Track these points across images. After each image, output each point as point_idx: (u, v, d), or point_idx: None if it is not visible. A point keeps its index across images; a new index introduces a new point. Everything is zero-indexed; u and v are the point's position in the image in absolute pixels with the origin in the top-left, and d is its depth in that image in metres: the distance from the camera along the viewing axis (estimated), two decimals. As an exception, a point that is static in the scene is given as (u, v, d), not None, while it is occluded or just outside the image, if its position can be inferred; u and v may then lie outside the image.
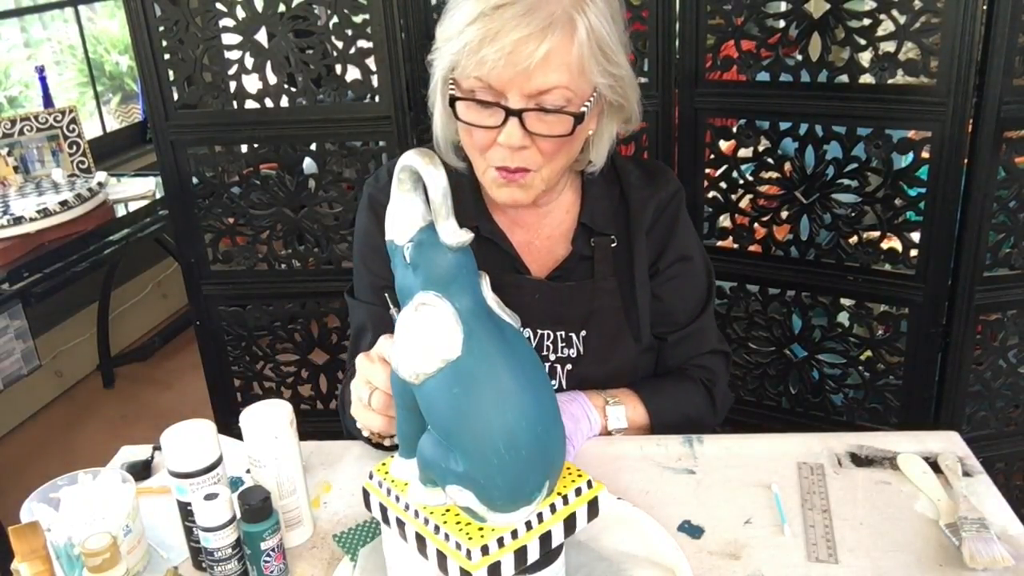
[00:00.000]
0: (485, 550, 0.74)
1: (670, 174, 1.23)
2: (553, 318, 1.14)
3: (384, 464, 0.86)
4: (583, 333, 1.15)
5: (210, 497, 0.85)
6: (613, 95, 1.04)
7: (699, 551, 0.92)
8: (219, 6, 1.66)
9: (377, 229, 1.15)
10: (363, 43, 1.67)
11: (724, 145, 1.73)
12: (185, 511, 0.91)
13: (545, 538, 0.78)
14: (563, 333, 1.15)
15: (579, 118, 0.99)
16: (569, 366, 1.15)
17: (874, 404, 1.73)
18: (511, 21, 0.94)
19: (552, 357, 1.15)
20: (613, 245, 1.16)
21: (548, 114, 0.98)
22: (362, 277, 1.19)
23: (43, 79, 2.79)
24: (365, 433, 1.05)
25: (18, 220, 2.12)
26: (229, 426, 1.21)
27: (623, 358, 1.16)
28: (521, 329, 0.80)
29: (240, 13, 1.66)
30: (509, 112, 0.98)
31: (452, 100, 1.01)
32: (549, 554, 0.79)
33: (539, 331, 1.14)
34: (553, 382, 1.14)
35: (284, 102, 1.73)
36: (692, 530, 0.95)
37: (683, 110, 1.69)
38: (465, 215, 1.06)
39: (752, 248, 1.75)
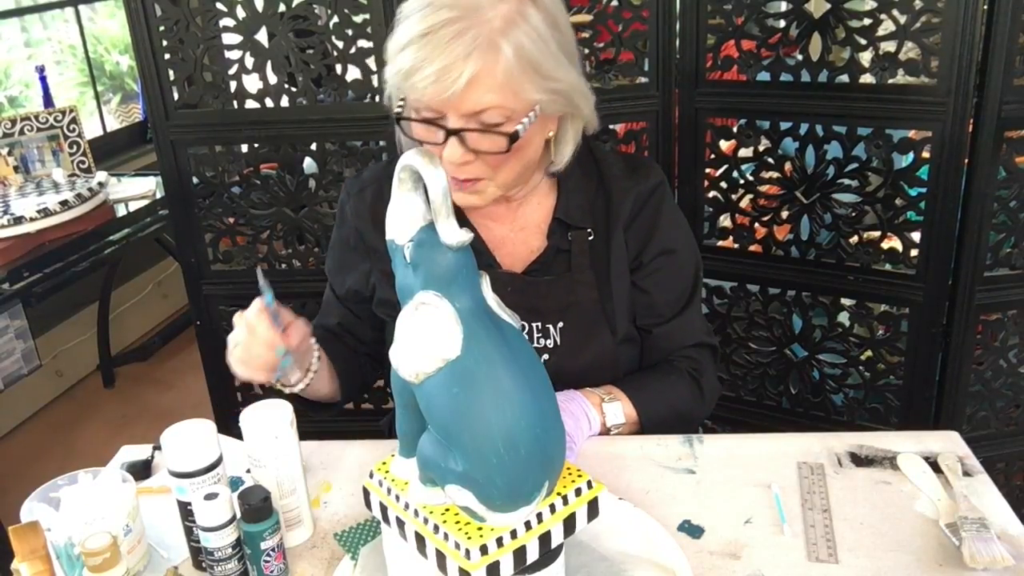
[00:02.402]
0: (484, 550, 0.74)
1: (654, 167, 1.23)
2: (528, 309, 1.14)
3: (384, 463, 0.86)
4: (560, 324, 1.15)
5: (210, 497, 0.86)
6: (557, 108, 1.05)
7: (699, 551, 0.92)
8: (219, 6, 1.66)
9: (342, 233, 1.25)
10: (363, 43, 1.67)
11: (724, 145, 1.73)
12: (185, 511, 0.91)
13: (544, 538, 0.78)
14: (539, 324, 1.15)
15: (513, 136, 1.00)
16: (545, 356, 1.16)
17: (874, 404, 1.73)
18: (436, 50, 0.96)
19: None
20: (590, 238, 1.17)
21: (485, 132, 1.00)
22: (333, 279, 1.29)
23: (43, 79, 2.79)
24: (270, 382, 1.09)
25: (18, 220, 2.12)
26: (229, 426, 1.21)
27: (599, 349, 1.17)
28: (522, 328, 0.81)
29: (240, 13, 1.66)
30: (448, 131, 1.00)
31: (398, 118, 1.04)
32: (548, 554, 0.79)
33: None
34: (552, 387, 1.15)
35: (284, 102, 1.73)
36: (692, 530, 0.96)
37: (683, 110, 1.69)
38: None
39: (752, 248, 1.75)
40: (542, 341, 1.16)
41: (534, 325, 1.15)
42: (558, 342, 1.15)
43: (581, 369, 1.16)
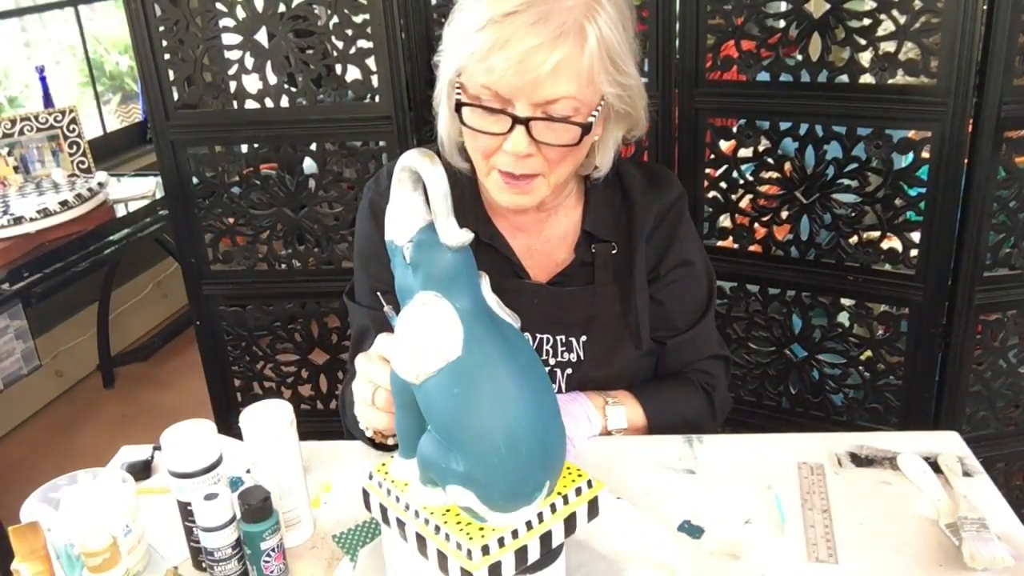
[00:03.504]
0: (486, 550, 0.74)
1: (673, 179, 1.22)
2: (553, 322, 1.14)
3: (384, 464, 0.86)
4: (583, 338, 1.14)
5: (210, 497, 0.85)
6: (621, 104, 1.04)
7: (699, 551, 0.92)
8: (219, 6, 1.66)
9: (378, 234, 1.15)
10: (363, 43, 1.67)
11: (724, 145, 1.73)
12: (185, 511, 0.91)
13: (545, 538, 0.78)
14: (563, 337, 1.14)
15: (586, 128, 0.98)
16: (569, 370, 1.15)
17: (874, 404, 1.73)
18: (521, 29, 0.92)
19: (552, 361, 1.15)
20: (613, 252, 1.16)
21: (555, 123, 0.97)
22: (363, 282, 1.19)
23: (43, 79, 2.79)
24: (368, 433, 1.05)
25: (18, 220, 2.12)
26: (229, 426, 1.21)
27: (623, 363, 1.16)
28: (544, 339, 0.80)
29: (240, 13, 1.66)
30: (516, 120, 0.97)
31: (458, 105, 1.00)
32: (549, 554, 0.78)
33: (539, 335, 1.14)
34: (553, 386, 1.14)
35: (284, 102, 1.73)
36: (692, 530, 0.95)
37: (683, 110, 1.69)
38: (465, 219, 1.07)
39: (752, 248, 1.75)
40: (566, 355, 1.15)
41: (558, 338, 1.14)
42: (581, 356, 1.15)
43: (604, 383, 1.15)
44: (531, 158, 1.00)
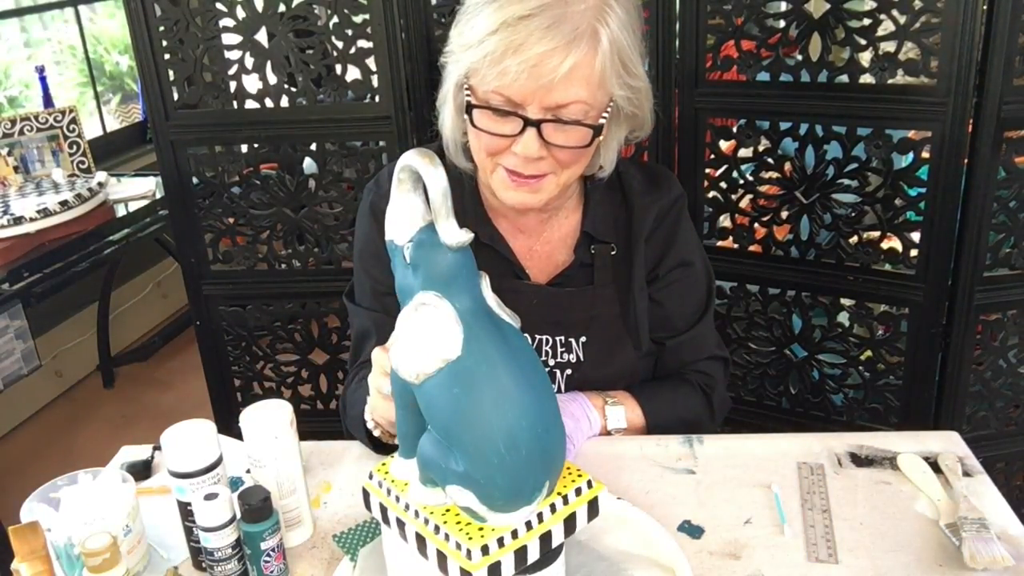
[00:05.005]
0: (485, 550, 0.74)
1: (672, 179, 1.22)
2: (552, 323, 1.14)
3: (384, 464, 0.86)
4: (583, 339, 1.14)
5: (210, 497, 0.86)
6: (629, 106, 1.04)
7: (699, 551, 0.92)
8: (219, 6, 1.66)
9: (379, 236, 1.14)
10: (363, 43, 1.67)
11: (724, 145, 1.73)
12: (185, 511, 0.91)
13: (545, 538, 0.78)
14: (563, 338, 1.14)
15: (597, 130, 0.99)
16: (569, 371, 1.15)
17: (874, 404, 1.73)
18: (535, 33, 0.92)
19: (551, 362, 1.15)
20: (613, 253, 1.16)
21: (566, 125, 0.98)
22: (363, 284, 1.19)
23: (43, 79, 2.79)
24: (376, 432, 1.05)
25: (18, 220, 2.12)
26: (229, 426, 1.21)
27: (623, 364, 1.16)
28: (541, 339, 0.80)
29: (240, 13, 1.66)
30: (527, 123, 0.97)
31: (468, 107, 1.00)
32: (549, 554, 0.79)
33: (538, 336, 1.14)
34: (553, 386, 1.14)
35: (284, 102, 1.73)
36: (692, 530, 0.96)
37: (683, 110, 1.69)
38: (465, 220, 1.07)
39: (752, 248, 1.75)
40: (565, 356, 1.15)
41: (557, 339, 1.14)
42: (581, 357, 1.15)
43: (604, 384, 1.15)
44: (541, 160, 1.00)
